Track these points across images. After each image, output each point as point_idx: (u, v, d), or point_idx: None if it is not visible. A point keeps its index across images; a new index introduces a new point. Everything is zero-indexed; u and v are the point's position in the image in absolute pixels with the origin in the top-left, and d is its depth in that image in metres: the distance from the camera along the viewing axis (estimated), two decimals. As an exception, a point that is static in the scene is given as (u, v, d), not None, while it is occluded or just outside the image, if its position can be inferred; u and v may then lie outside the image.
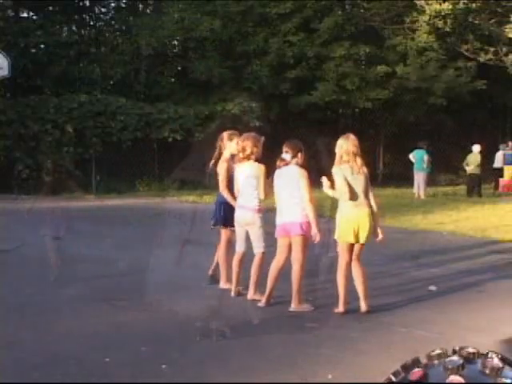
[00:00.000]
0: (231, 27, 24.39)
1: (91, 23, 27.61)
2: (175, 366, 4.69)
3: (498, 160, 21.34)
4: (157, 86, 24.98)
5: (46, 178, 20.58)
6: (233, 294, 6.86)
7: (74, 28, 27.04)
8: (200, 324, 5.80)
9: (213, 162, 7.52)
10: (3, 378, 4.38)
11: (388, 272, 8.15)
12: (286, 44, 23.96)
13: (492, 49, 23.18)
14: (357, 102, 24.50)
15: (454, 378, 1.14)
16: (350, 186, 6.20)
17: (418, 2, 23.14)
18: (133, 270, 8.25)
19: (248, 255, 6.91)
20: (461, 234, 11.69)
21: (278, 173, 6.55)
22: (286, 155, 6.48)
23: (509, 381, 1.15)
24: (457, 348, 1.25)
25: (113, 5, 27.90)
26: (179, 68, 28.01)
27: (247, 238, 6.88)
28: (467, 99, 24.88)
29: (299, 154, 6.49)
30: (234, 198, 7.01)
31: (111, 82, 25.48)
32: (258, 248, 6.72)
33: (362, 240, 6.23)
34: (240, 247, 6.93)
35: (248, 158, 6.78)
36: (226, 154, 7.33)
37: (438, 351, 1.25)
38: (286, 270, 6.47)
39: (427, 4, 22.74)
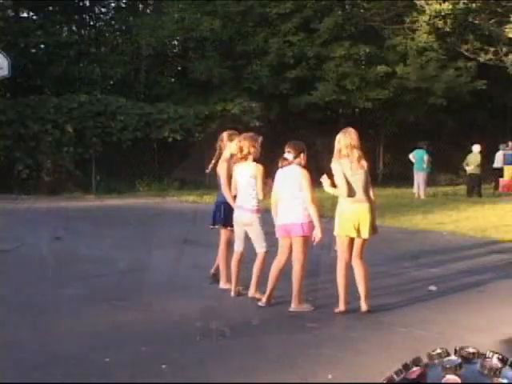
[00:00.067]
0: (231, 27, 24.39)
1: (91, 23, 27.62)
2: (175, 365, 4.69)
3: (498, 160, 21.34)
4: (157, 85, 24.98)
5: (46, 178, 20.59)
6: (233, 294, 6.87)
7: (74, 28, 27.05)
8: (200, 324, 5.80)
9: (213, 162, 7.52)
10: (3, 378, 4.38)
11: (388, 272, 8.15)
12: (286, 44, 23.95)
13: (492, 49, 23.18)
14: (357, 102, 24.50)
15: (450, 377, 1.15)
16: (348, 183, 6.18)
17: (417, 2, 23.14)
18: (133, 270, 8.25)
19: (248, 255, 6.91)
20: (461, 234, 11.69)
21: (279, 172, 6.54)
22: (289, 155, 6.47)
23: (505, 381, 1.15)
24: (457, 348, 1.26)
25: (113, 5, 27.91)
26: (179, 68, 28.03)
27: (246, 238, 6.88)
28: (467, 99, 24.88)
29: (301, 155, 6.49)
30: (235, 198, 7.01)
31: (111, 82, 25.49)
32: (261, 247, 6.72)
33: (364, 235, 6.21)
34: (238, 247, 6.94)
35: (246, 158, 6.78)
36: (225, 154, 7.33)
37: (438, 351, 1.25)
38: (286, 269, 6.47)
39: (427, 4, 22.74)
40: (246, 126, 19.55)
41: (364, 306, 6.20)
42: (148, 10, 28.36)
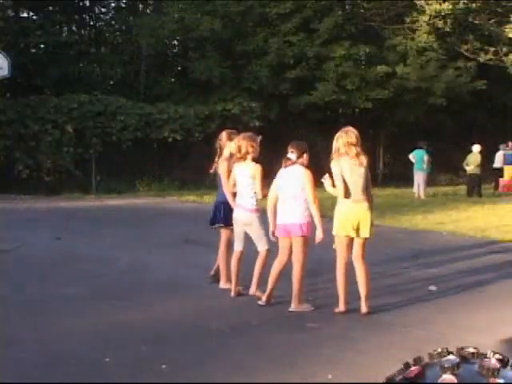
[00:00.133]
0: (231, 27, 24.39)
1: (91, 23, 27.63)
2: (175, 365, 4.69)
3: (498, 160, 21.35)
4: (157, 85, 24.99)
5: (46, 178, 20.59)
6: (233, 293, 6.86)
7: (74, 28, 27.07)
8: (200, 324, 5.81)
9: (216, 161, 7.51)
10: (3, 378, 4.38)
11: (388, 272, 8.15)
12: (285, 44, 23.96)
13: (492, 49, 23.19)
14: (357, 102, 24.50)
15: (446, 377, 1.15)
16: (345, 184, 6.17)
17: (417, 2, 23.15)
18: (133, 270, 8.26)
19: (248, 254, 6.91)
20: (461, 234, 11.69)
21: (282, 172, 6.53)
22: (292, 155, 6.46)
23: (502, 381, 1.15)
24: (458, 348, 1.26)
25: (113, 5, 27.93)
26: (179, 68, 28.05)
27: (245, 238, 6.88)
28: (467, 99, 24.89)
29: (304, 155, 6.49)
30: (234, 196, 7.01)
31: (111, 82, 25.50)
32: (262, 246, 6.73)
33: (364, 234, 6.20)
34: (238, 247, 6.94)
35: (244, 157, 6.78)
36: (225, 153, 7.33)
37: (439, 350, 1.26)
38: (286, 269, 6.47)
39: (427, 4, 22.75)
40: (245, 126, 19.56)
41: (364, 308, 6.19)
42: (148, 10, 28.37)
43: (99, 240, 10.76)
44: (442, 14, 22.88)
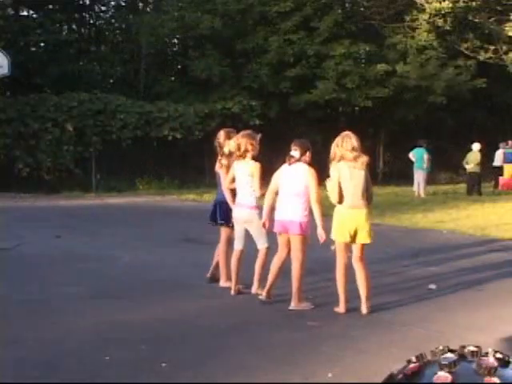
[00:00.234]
0: (231, 26, 24.38)
1: (91, 22, 27.63)
2: (175, 365, 4.69)
3: (498, 158, 21.34)
4: (157, 84, 24.98)
5: (46, 176, 20.60)
6: (232, 292, 6.87)
7: (73, 26, 27.07)
8: (200, 323, 5.81)
9: (220, 159, 7.48)
10: (3, 378, 4.38)
11: (388, 270, 8.15)
12: (285, 42, 23.95)
13: (492, 47, 23.18)
14: (357, 101, 24.49)
15: (441, 374, 1.15)
16: (340, 190, 6.15)
17: (417, 1, 23.15)
18: (133, 269, 8.26)
19: (248, 253, 6.91)
20: (461, 232, 11.70)
21: (285, 169, 6.52)
22: (295, 153, 6.46)
23: (498, 380, 1.15)
24: (461, 345, 1.26)
25: (113, 3, 27.93)
26: (179, 66, 28.04)
27: (246, 236, 6.88)
28: (467, 97, 24.87)
29: (307, 153, 6.48)
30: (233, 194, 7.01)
31: (111, 81, 25.51)
32: (262, 244, 6.73)
33: (362, 240, 6.20)
34: (238, 245, 6.94)
35: (244, 155, 6.77)
36: (224, 152, 7.31)
37: (441, 348, 1.26)
38: (286, 268, 6.47)
39: (427, 2, 22.74)
40: (245, 124, 19.55)
41: (364, 309, 6.18)
42: (148, 9, 28.37)
43: (99, 238, 10.77)
44: (442, 12, 22.87)
